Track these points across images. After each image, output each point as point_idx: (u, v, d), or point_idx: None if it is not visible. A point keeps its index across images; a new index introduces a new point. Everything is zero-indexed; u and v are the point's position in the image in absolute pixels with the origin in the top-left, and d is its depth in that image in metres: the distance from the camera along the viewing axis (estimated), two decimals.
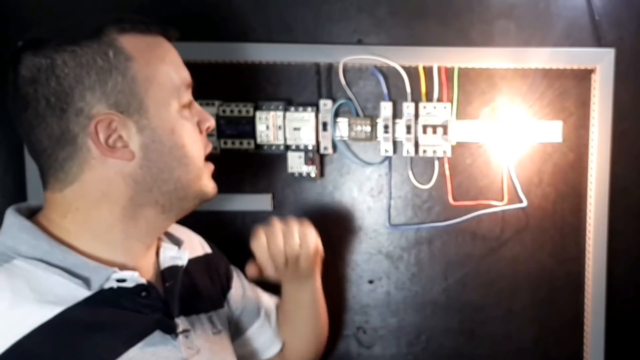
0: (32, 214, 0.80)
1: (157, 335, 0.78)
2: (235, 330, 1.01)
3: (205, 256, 0.98)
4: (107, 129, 0.74)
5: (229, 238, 1.03)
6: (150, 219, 0.80)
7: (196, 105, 0.83)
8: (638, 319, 1.17)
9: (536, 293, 1.16)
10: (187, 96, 0.81)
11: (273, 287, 1.03)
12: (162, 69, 0.78)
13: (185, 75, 0.81)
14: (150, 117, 0.76)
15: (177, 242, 0.90)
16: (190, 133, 0.80)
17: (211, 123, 0.84)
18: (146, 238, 0.82)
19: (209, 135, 1.06)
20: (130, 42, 0.76)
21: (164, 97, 0.77)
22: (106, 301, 0.75)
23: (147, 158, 0.77)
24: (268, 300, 1.06)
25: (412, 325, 1.18)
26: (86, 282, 0.74)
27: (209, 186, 0.84)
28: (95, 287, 0.75)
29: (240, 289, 1.02)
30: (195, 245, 0.97)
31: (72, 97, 0.74)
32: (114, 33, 0.76)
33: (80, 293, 0.74)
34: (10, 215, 0.78)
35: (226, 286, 1.00)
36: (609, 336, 1.14)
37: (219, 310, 0.94)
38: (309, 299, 1.03)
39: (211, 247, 1.00)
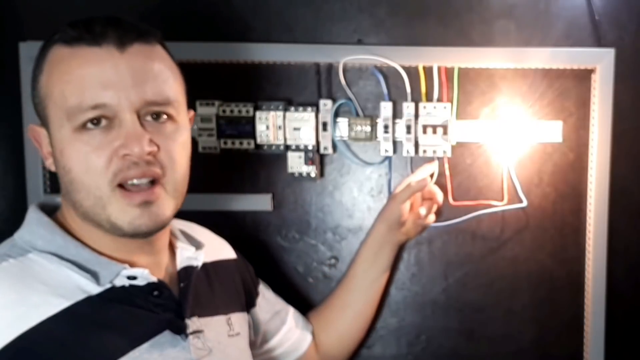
0: (55, 210, 0.82)
1: (166, 335, 0.78)
2: (264, 337, 1.02)
3: (232, 261, 0.98)
4: (38, 137, 0.78)
5: (229, 238, 1.03)
6: (105, 237, 0.77)
7: (127, 126, 0.72)
8: (638, 319, 1.17)
9: (536, 293, 1.16)
10: (84, 118, 0.72)
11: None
12: (58, 87, 0.74)
13: (90, 96, 0.72)
14: (52, 133, 0.76)
15: (197, 244, 0.89)
16: (82, 158, 0.72)
17: (130, 150, 0.72)
18: (136, 249, 0.80)
19: (209, 134, 1.08)
20: (56, 53, 0.75)
21: (59, 117, 0.74)
22: (117, 299, 0.75)
23: (58, 174, 0.78)
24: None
25: (412, 325, 1.18)
26: (94, 276, 0.74)
27: (120, 219, 0.74)
28: (105, 283, 0.75)
29: (267, 296, 1.03)
30: (217, 247, 0.96)
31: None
32: (56, 38, 0.75)
33: (91, 288, 0.74)
34: (32, 211, 0.79)
35: (254, 292, 1.01)
36: (609, 336, 1.14)
37: (238, 314, 0.93)
38: (387, 269, 1.10)
39: (236, 252, 1.00)
